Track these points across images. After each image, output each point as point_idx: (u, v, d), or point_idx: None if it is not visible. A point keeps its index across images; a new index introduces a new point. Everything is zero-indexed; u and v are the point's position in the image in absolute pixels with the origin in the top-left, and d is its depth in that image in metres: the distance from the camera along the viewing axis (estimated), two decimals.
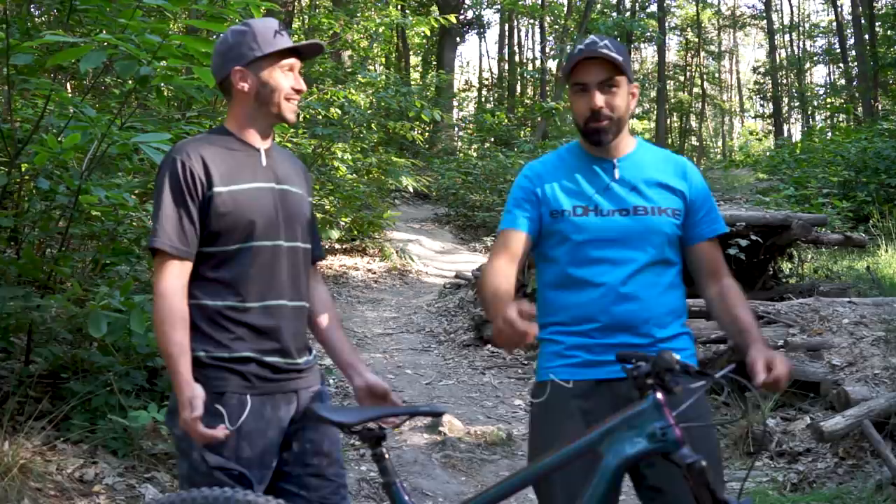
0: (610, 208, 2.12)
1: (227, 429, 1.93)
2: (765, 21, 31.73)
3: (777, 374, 1.91)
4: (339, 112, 10.30)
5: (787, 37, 33.08)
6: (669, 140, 31.39)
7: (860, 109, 21.30)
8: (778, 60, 30.84)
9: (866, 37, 21.70)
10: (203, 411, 1.88)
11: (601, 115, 2.10)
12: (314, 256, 2.27)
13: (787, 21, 34.04)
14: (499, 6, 26.76)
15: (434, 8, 19.64)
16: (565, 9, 26.05)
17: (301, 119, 9.74)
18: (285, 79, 2.09)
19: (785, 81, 32.25)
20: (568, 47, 23.19)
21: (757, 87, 35.16)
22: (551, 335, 2.17)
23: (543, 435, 2.10)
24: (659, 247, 2.12)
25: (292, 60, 2.11)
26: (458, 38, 24.27)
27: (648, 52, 35.53)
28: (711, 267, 2.19)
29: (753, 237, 7.04)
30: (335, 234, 11.42)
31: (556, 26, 27.68)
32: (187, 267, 2.02)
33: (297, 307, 2.12)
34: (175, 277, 1.99)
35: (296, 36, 12.80)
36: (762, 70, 33.59)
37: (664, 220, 2.12)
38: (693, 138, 34.92)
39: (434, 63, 23.93)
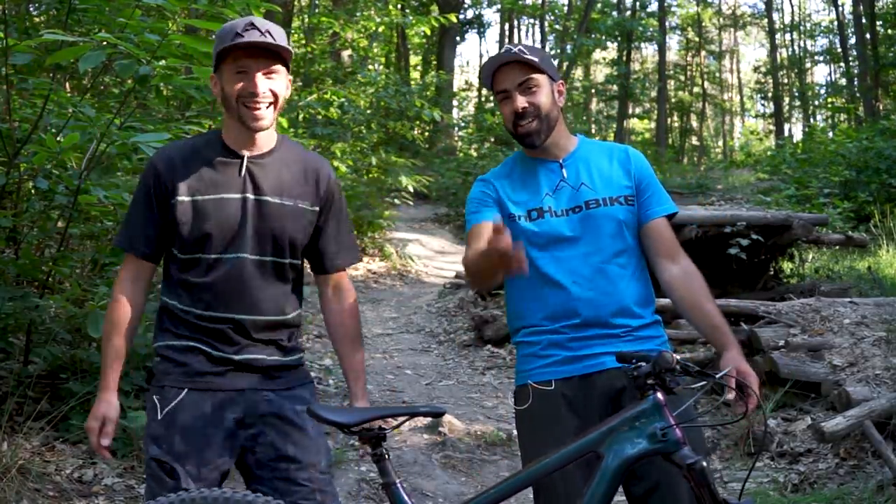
0: (563, 208, 2.15)
1: (156, 421, 2.02)
2: (765, 20, 31.70)
3: (751, 399, 1.95)
4: (339, 112, 10.28)
5: (787, 36, 33.06)
6: (670, 140, 31.37)
7: (861, 109, 21.28)
8: (779, 60, 30.82)
9: (867, 36, 21.68)
10: (105, 433, 2.01)
11: (526, 115, 2.13)
12: (335, 265, 2.20)
13: (787, 20, 34.02)
14: (499, 6, 26.76)
15: (434, 7, 19.63)
16: (566, 9, 26.05)
17: (301, 119, 9.73)
18: (236, 81, 1.97)
19: (786, 81, 32.23)
20: (569, 47, 23.21)
21: (758, 86, 35.13)
22: (524, 337, 2.18)
23: (535, 442, 2.08)
24: (617, 235, 2.15)
25: (247, 61, 1.96)
26: (458, 38, 24.27)
27: (649, 51, 35.51)
28: (666, 245, 2.19)
29: (754, 237, 7.03)
30: None
31: (557, 26, 27.67)
32: (146, 266, 2.10)
33: (259, 321, 2.07)
34: (129, 279, 2.08)
35: (295, 35, 12.81)
36: (763, 69, 33.57)
37: (617, 209, 2.15)
38: (694, 138, 34.89)
39: (434, 63, 23.92)
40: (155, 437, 2.01)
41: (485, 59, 2.30)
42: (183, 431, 2.00)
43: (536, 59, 2.13)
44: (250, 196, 2.04)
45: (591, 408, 2.05)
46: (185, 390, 2.02)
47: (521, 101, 2.12)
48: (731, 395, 1.97)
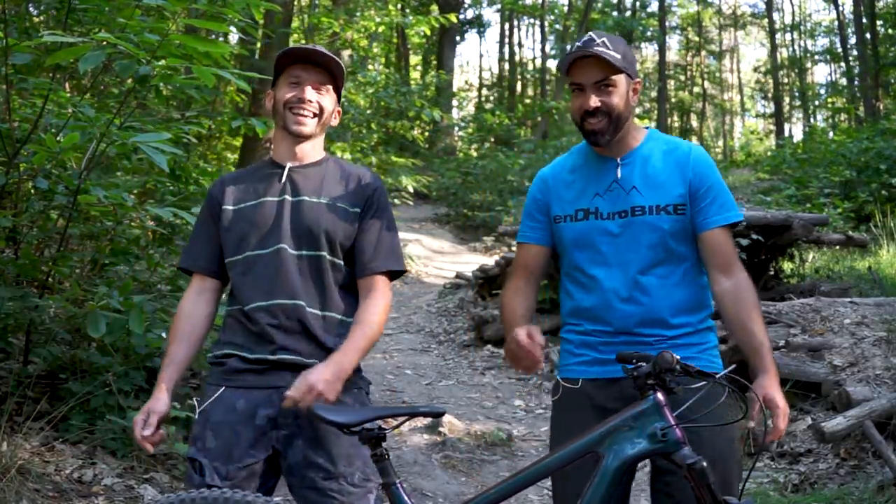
0: (609, 211, 2.12)
1: (196, 420, 2.08)
2: (766, 20, 31.70)
3: (777, 428, 2.00)
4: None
5: (788, 36, 33.05)
6: None
7: (861, 109, 21.27)
8: (779, 60, 30.81)
9: (867, 36, 21.67)
10: (148, 424, 2.04)
11: (596, 115, 2.08)
12: (363, 269, 2.14)
13: (787, 20, 34.02)
14: (499, 6, 26.78)
15: (434, 7, 19.63)
16: (566, 9, 26.06)
17: None
18: (287, 90, 2.13)
19: (786, 81, 32.22)
20: (568, 47, 23.23)
21: (758, 86, 35.14)
22: (565, 333, 2.22)
23: (558, 434, 2.13)
24: (659, 246, 2.10)
25: (299, 73, 2.13)
26: (457, 38, 24.27)
27: (649, 51, 35.49)
28: (720, 258, 2.11)
29: (754, 237, 7.03)
30: None
31: (557, 26, 27.68)
32: (208, 281, 2.20)
33: (300, 307, 2.06)
34: (192, 294, 2.19)
35: (295, 35, 12.80)
36: (763, 69, 33.57)
37: (662, 218, 2.09)
38: (694, 138, 34.86)
39: (434, 63, 23.92)
40: (193, 437, 2.07)
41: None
42: (214, 428, 2.03)
43: (619, 57, 2.05)
44: (288, 198, 2.13)
45: (615, 410, 1.98)
46: (222, 388, 2.07)
47: (594, 101, 2.06)
48: (751, 424, 1.98)
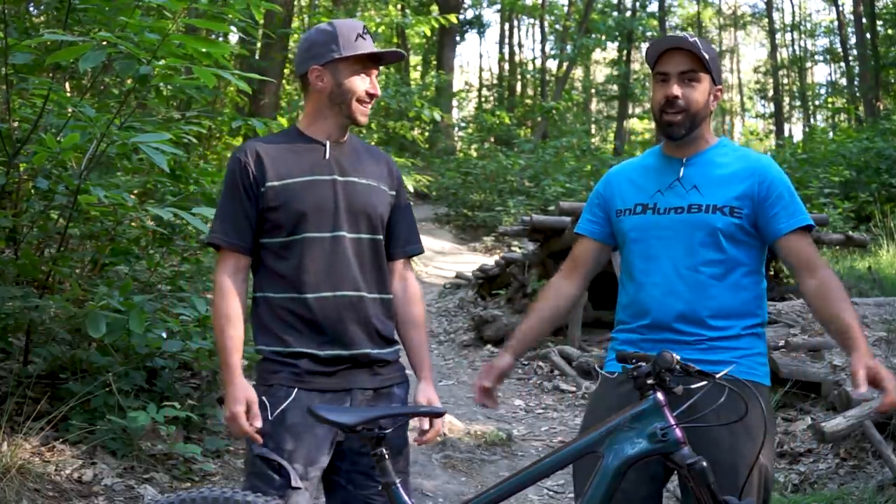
0: (667, 206, 2.14)
1: (267, 420, 2.01)
2: (766, 20, 31.70)
3: (886, 397, 1.99)
4: None
5: (788, 36, 33.05)
6: None
7: (861, 109, 21.27)
8: (779, 60, 30.81)
9: (867, 36, 21.66)
10: (253, 415, 1.98)
11: (675, 105, 2.09)
12: (406, 251, 2.27)
13: (788, 20, 34.01)
14: (499, 6, 26.80)
15: (434, 7, 19.64)
16: (565, 9, 26.07)
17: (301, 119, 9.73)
18: (361, 82, 2.13)
19: (786, 81, 32.22)
20: (569, 47, 23.21)
21: (758, 86, 35.15)
22: (615, 332, 2.26)
23: (586, 421, 2.18)
24: (711, 245, 2.10)
25: (370, 65, 2.16)
26: (457, 38, 24.29)
27: None
28: (801, 260, 2.11)
29: None
30: None
31: (557, 26, 27.69)
32: (243, 260, 2.11)
33: (364, 298, 2.11)
34: (229, 272, 2.08)
35: (295, 35, 12.81)
36: (763, 70, 33.58)
37: (717, 217, 2.09)
38: None
39: (434, 63, 23.93)
40: (262, 434, 2.01)
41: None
42: (292, 430, 2.02)
43: (707, 57, 2.09)
44: (338, 178, 2.13)
45: None
46: (296, 389, 2.05)
47: (676, 90, 2.09)
48: (862, 389, 2.00)
